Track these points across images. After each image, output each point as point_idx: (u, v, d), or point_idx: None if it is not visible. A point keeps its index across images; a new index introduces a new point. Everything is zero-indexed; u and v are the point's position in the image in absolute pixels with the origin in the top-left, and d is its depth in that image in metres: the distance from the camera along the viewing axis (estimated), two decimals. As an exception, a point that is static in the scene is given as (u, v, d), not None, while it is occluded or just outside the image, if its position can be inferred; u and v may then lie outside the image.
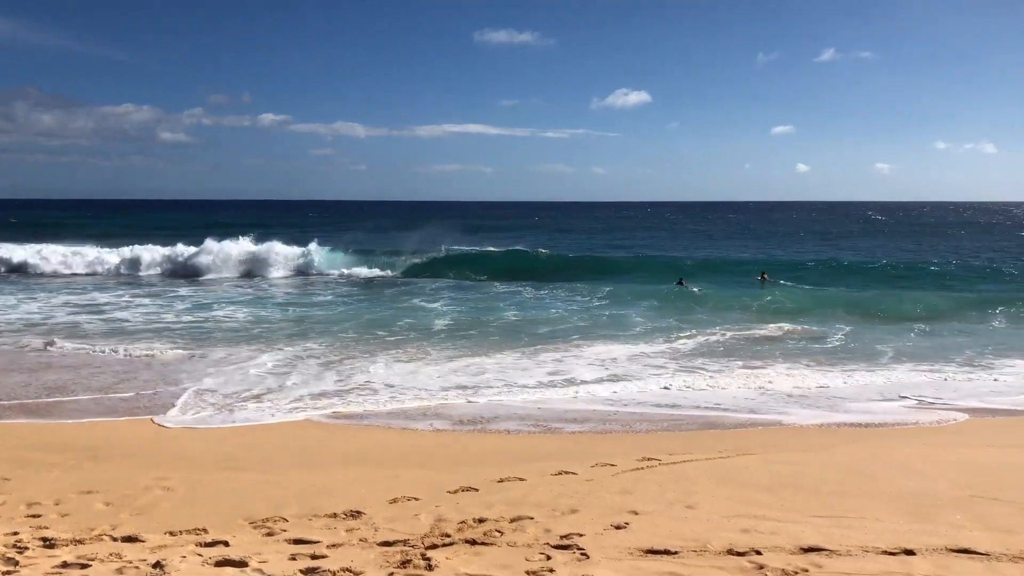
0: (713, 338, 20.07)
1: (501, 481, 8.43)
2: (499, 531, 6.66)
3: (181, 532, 6.78)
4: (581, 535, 6.48)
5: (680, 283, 31.64)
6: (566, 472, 8.73)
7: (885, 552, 6.00)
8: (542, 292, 30.12)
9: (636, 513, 7.10)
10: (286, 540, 6.60)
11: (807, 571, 5.61)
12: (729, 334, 20.64)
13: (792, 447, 10.37)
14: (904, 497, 7.64)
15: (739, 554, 5.98)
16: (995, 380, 15.71)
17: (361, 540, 6.54)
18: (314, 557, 6.11)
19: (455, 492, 8.04)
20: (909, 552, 5.99)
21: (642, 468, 8.91)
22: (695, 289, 30.31)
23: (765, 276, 34.87)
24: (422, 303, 27.05)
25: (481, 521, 6.97)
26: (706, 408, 13.25)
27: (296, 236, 44.36)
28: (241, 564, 5.93)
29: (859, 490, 7.94)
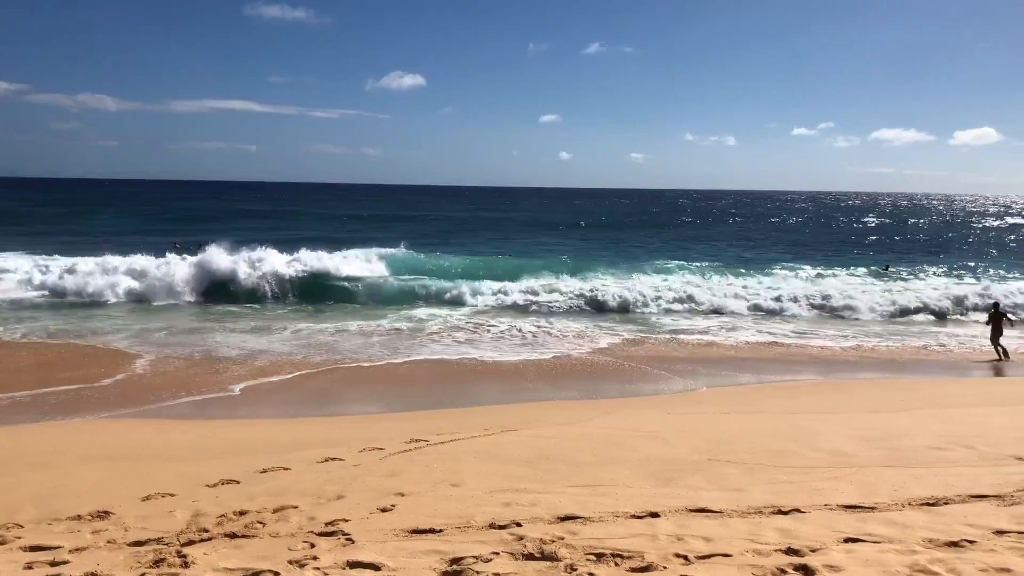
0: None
1: (264, 471, 8.17)
2: (261, 522, 6.46)
3: None
4: (347, 520, 6.42)
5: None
6: (333, 459, 8.62)
7: (633, 516, 6.44)
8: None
9: (403, 495, 7.14)
10: (21, 548, 6.02)
11: (563, 538, 5.90)
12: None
13: (553, 421, 10.86)
14: (651, 464, 8.23)
15: (501, 527, 6.18)
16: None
17: (109, 542, 6.09)
18: (54, 564, 5.62)
19: (215, 485, 7.70)
20: (654, 515, 6.46)
21: (410, 450, 8.97)
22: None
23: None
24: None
25: (242, 513, 6.72)
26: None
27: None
28: (-37, 579, 5.35)
29: (612, 459, 8.46)
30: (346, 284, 27.61)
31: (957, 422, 10.44)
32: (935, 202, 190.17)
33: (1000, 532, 6.03)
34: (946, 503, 6.80)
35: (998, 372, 16.97)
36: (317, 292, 26.63)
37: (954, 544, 5.76)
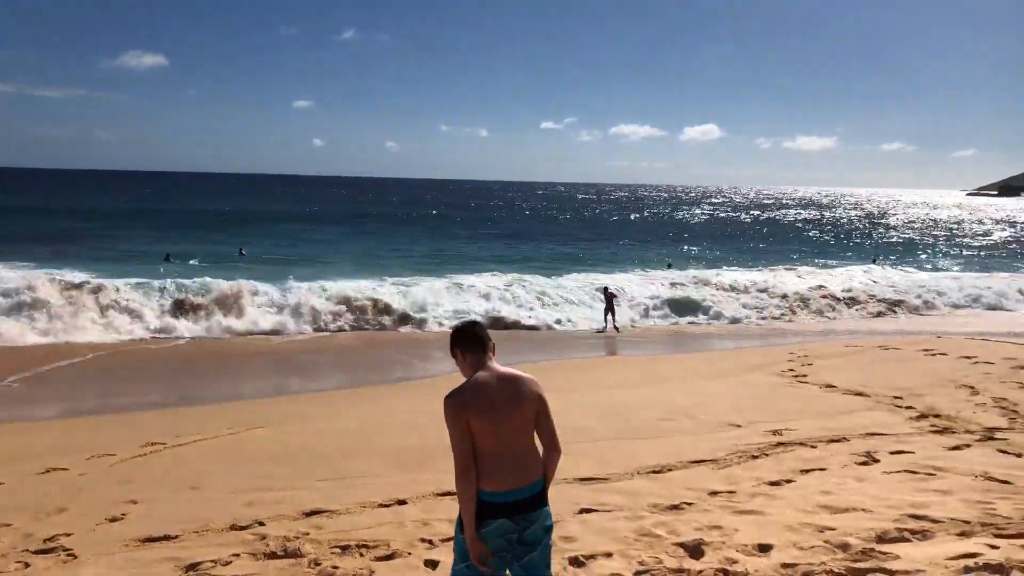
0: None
1: (-29, 489, 7.32)
2: (-35, 546, 5.78)
3: None
4: (69, 535, 5.91)
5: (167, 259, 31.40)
6: (55, 469, 7.88)
7: (381, 505, 6.45)
8: None
9: (136, 502, 6.68)
10: None
11: (308, 534, 5.79)
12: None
13: (305, 415, 10.62)
14: (403, 452, 8.28)
15: (242, 528, 5.96)
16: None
17: None
18: None
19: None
20: (402, 502, 6.50)
21: (146, 455, 8.40)
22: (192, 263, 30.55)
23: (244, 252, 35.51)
24: None
25: (-59, 538, 5.98)
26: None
27: None
28: None
29: (364, 450, 8.41)
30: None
31: (683, 394, 11.38)
32: (664, 194, 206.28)
33: (714, 493, 6.66)
34: (670, 470, 7.41)
35: (610, 343, 19.13)
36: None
37: (675, 507, 6.29)
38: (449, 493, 6.65)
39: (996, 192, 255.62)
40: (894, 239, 62.18)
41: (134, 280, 21.62)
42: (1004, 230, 74.67)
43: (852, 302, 24.96)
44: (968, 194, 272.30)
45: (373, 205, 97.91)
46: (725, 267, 33.07)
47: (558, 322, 21.45)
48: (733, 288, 25.51)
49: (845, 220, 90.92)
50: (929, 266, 39.29)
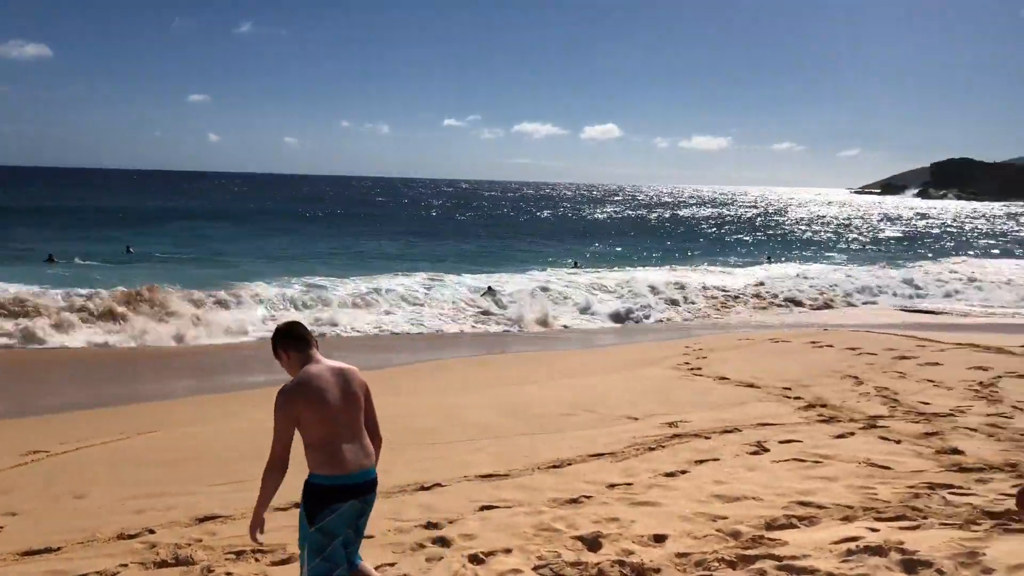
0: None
1: None
2: None
3: None
4: (-62, 552, 5.58)
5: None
6: (-76, 481, 7.43)
7: (278, 508, 6.25)
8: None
9: (15, 514, 6.36)
10: None
11: (200, 540, 5.63)
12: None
13: (200, 418, 10.31)
14: (298, 453, 8.08)
15: (131, 536, 5.74)
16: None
17: None
18: None
19: None
20: (298, 505, 6.35)
21: (27, 463, 8.00)
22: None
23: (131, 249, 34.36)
24: None
25: None
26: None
27: None
28: None
29: (261, 452, 8.14)
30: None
31: (583, 389, 11.54)
32: (568, 192, 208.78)
33: (612, 485, 6.77)
34: (569, 464, 7.50)
35: (517, 340, 19.27)
36: None
37: (574, 501, 6.37)
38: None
39: (879, 191, 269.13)
40: (789, 236, 64.61)
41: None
42: (890, 227, 78.72)
43: (747, 297, 25.83)
44: (854, 192, 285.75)
45: (273, 201, 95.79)
46: (629, 267, 33.59)
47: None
48: (629, 286, 26.01)
49: (743, 218, 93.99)
50: (822, 261, 40.94)
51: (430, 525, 5.84)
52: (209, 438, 9.04)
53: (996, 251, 51.54)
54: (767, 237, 62.61)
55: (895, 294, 27.64)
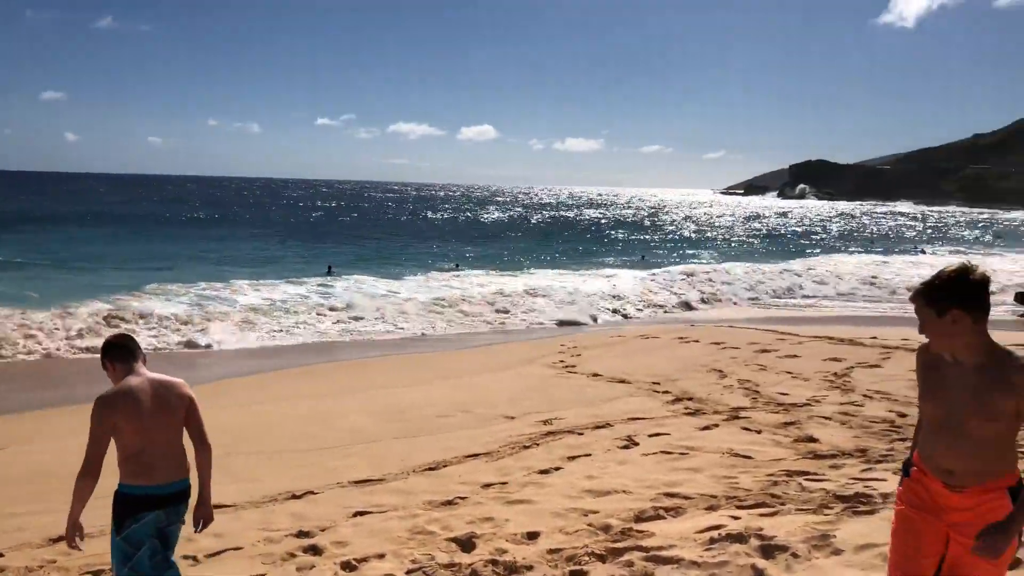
0: None
1: None
2: None
3: None
4: None
5: None
6: None
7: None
8: None
9: None
10: None
11: (54, 562, 5.35)
12: None
13: (44, 435, 9.72)
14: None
15: (-24, 562, 5.39)
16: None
17: None
18: None
19: None
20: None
21: None
22: None
23: None
24: None
25: None
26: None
27: None
28: None
29: (115, 468, 7.84)
30: None
31: (462, 389, 11.57)
32: (447, 192, 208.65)
33: (487, 485, 6.83)
34: (445, 466, 7.51)
35: (399, 343, 19.28)
36: None
37: (449, 503, 6.38)
38: (218, 506, 6.36)
39: (743, 191, 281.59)
40: (669, 237, 66.75)
41: None
42: (753, 223, 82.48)
43: (625, 299, 26.38)
44: (720, 192, 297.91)
45: (135, 203, 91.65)
46: (518, 271, 33.73)
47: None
48: (510, 291, 26.24)
49: (622, 218, 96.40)
50: (696, 260, 42.33)
51: (301, 534, 5.73)
52: (58, 454, 8.55)
53: (853, 248, 54.74)
54: (643, 238, 64.42)
55: (755, 292, 28.76)
